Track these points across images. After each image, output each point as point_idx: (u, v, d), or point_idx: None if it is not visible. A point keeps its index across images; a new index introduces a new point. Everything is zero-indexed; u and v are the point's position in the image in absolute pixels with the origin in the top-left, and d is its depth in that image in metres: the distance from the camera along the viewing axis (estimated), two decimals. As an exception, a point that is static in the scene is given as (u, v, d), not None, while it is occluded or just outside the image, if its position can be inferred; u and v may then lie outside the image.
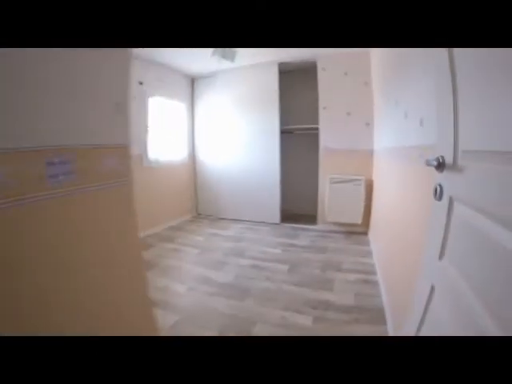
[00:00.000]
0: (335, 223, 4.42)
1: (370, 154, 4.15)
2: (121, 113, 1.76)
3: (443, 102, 1.00)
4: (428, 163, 0.99)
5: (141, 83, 4.43)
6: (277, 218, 4.98)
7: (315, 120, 4.48)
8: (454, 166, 0.89)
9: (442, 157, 0.95)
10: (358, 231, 4.35)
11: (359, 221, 4.18)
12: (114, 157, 1.61)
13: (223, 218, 5.54)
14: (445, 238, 0.95)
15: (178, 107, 5.34)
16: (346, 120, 4.25)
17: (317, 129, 4.47)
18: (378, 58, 3.45)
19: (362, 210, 4.12)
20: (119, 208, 1.75)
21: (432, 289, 1.05)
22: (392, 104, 2.55)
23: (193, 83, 5.65)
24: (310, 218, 4.94)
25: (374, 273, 3.05)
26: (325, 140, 4.42)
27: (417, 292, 1.22)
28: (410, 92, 1.93)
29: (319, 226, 4.61)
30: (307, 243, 4.02)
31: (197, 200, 5.97)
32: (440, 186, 0.97)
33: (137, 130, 4.45)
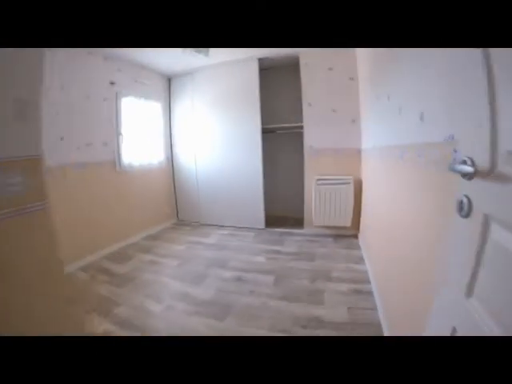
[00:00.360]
0: (323, 227, 4.19)
1: (357, 152, 3.94)
2: (26, 116, 1.33)
3: (469, 90, 0.75)
4: (453, 169, 0.73)
5: (112, 83, 4.13)
6: (261, 222, 4.73)
7: (299, 119, 4.24)
8: (493, 173, 0.64)
9: (471, 159, 0.70)
10: (347, 234, 4.14)
11: (348, 223, 3.97)
12: (18, 172, 1.23)
13: (205, 224, 5.25)
14: (475, 270, 0.70)
15: (154, 108, 5.03)
16: (331, 117, 4.03)
17: (301, 127, 4.24)
18: (365, 52, 3.23)
19: (351, 212, 3.91)
20: (32, 242, 1.36)
21: (453, 331, 0.81)
22: (383, 99, 2.32)
23: (170, 82, 5.34)
24: (297, 221, 4.72)
25: (367, 281, 2.83)
26: (310, 139, 4.19)
27: (430, 330, 0.98)
28: (404, 85, 1.70)
29: (306, 230, 4.37)
30: (294, 249, 3.78)
31: (177, 206, 5.67)
32: (468, 198, 0.73)
33: (108, 134, 4.14)
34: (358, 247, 3.72)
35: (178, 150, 5.43)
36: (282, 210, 5.38)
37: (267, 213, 4.82)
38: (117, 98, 4.22)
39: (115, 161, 4.24)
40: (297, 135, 4.66)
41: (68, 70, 3.49)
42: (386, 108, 2.23)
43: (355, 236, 4.09)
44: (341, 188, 3.90)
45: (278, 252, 3.73)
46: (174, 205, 5.65)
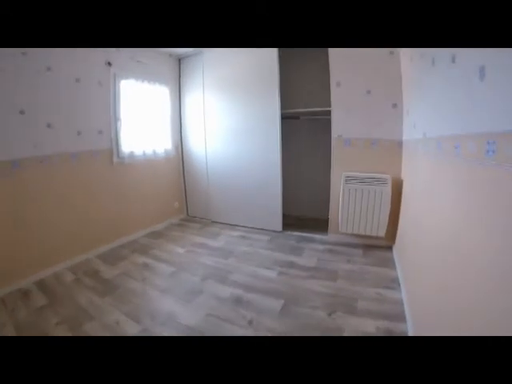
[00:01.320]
0: (351, 234, 3.49)
1: (398, 145, 3.18)
2: None
3: None
4: None
5: (109, 64, 3.65)
6: (278, 224, 4.08)
7: (327, 103, 3.52)
8: None
9: None
10: (379, 245, 3.41)
11: (382, 233, 3.24)
12: None
13: (216, 222, 4.70)
14: None
15: (161, 92, 4.49)
16: (365, 100, 3.27)
17: (328, 112, 3.51)
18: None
19: (386, 219, 3.18)
20: None
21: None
22: (442, 63, 1.59)
23: (179, 63, 4.78)
24: (320, 224, 4.05)
25: (401, 318, 2.14)
26: (338, 127, 3.46)
27: None
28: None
29: (330, 237, 3.68)
30: (312, 263, 3.11)
31: (186, 200, 5.14)
32: None
33: (104, 120, 3.70)
34: (393, 264, 2.99)
35: (188, 138, 4.88)
36: (303, 210, 4.71)
37: (286, 212, 4.18)
38: (115, 80, 3.76)
39: (113, 150, 3.80)
40: (323, 122, 3.96)
41: (56, 49, 3.10)
42: (448, 76, 1.50)
43: (389, 248, 3.36)
44: (375, 189, 3.17)
45: (293, 265, 3.08)
46: (184, 199, 5.14)
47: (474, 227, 1.14)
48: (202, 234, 4.21)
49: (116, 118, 3.80)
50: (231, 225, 4.52)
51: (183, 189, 5.11)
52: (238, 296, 2.54)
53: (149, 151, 4.31)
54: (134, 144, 4.09)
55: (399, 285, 2.59)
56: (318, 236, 3.81)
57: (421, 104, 2.26)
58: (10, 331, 2.20)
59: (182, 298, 2.58)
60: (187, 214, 5.19)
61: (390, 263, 3.02)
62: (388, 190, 3.11)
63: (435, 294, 1.59)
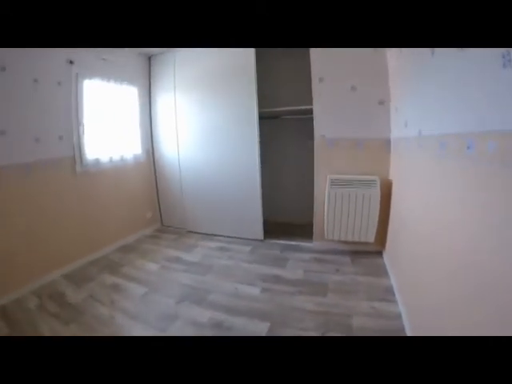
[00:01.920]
0: (338, 241, 3.30)
1: (386, 144, 3.01)
2: None
3: None
4: None
5: (71, 62, 3.33)
6: (259, 232, 3.85)
7: (308, 100, 3.32)
8: None
9: None
10: (369, 251, 3.25)
11: (371, 238, 3.07)
12: None
13: (192, 232, 4.41)
14: None
15: (129, 92, 4.17)
16: (350, 97, 3.09)
17: (311, 111, 3.32)
18: None
19: (375, 223, 3.01)
20: None
21: None
22: (449, 54, 1.41)
23: (149, 62, 4.47)
24: (305, 230, 3.84)
25: (401, 334, 1.95)
26: (321, 126, 3.27)
27: None
28: None
29: (316, 245, 3.48)
30: (299, 275, 2.89)
31: (160, 209, 4.84)
32: None
33: (65, 125, 3.37)
34: (385, 272, 2.82)
35: (160, 142, 4.58)
36: (287, 215, 4.50)
37: (268, 219, 3.96)
38: (77, 80, 3.42)
39: (75, 158, 3.46)
40: (305, 122, 3.78)
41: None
42: (456, 66, 1.32)
43: (379, 254, 3.19)
44: (363, 191, 3.00)
45: (278, 279, 2.85)
46: (157, 208, 4.83)
47: (490, 237, 1.02)
48: (177, 247, 3.91)
49: (78, 122, 3.46)
50: (209, 235, 4.24)
51: (156, 197, 4.80)
52: (218, 321, 2.28)
53: (116, 157, 3.99)
54: (100, 150, 3.75)
55: (394, 295, 2.42)
56: (303, 244, 3.60)
57: (414, 99, 2.09)
58: None
59: (154, 325, 2.30)
60: (162, 224, 4.88)
61: (381, 271, 2.85)
62: (377, 192, 2.94)
63: (438, 308, 1.42)
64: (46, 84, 3.13)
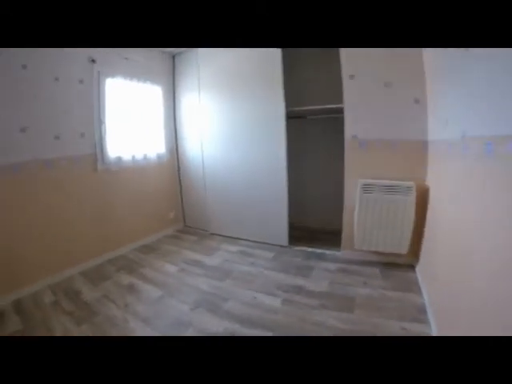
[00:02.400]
0: (367, 252, 3.10)
1: (422, 146, 2.77)
2: None
3: None
4: None
5: (93, 61, 3.37)
6: (284, 238, 3.70)
7: (339, 99, 3.14)
8: None
9: None
10: (399, 263, 3.01)
11: (404, 250, 2.84)
12: None
13: (215, 234, 4.34)
14: None
15: (152, 91, 4.18)
16: (383, 95, 2.87)
17: (341, 110, 3.13)
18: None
19: (409, 233, 2.77)
20: None
21: None
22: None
23: (173, 60, 4.47)
24: (331, 237, 3.66)
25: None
26: (352, 126, 3.07)
27: None
28: None
29: (344, 254, 3.28)
30: (323, 287, 2.71)
31: (183, 209, 4.81)
32: None
33: (87, 123, 3.41)
34: (417, 288, 2.58)
35: (184, 141, 4.56)
36: (313, 220, 4.32)
37: (293, 224, 3.79)
38: (99, 78, 3.46)
39: (97, 155, 3.50)
40: (334, 122, 3.60)
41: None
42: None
43: (411, 268, 2.94)
44: (397, 198, 2.77)
45: (300, 290, 2.69)
46: (181, 208, 4.80)
47: None
48: (198, 249, 3.85)
49: (100, 120, 3.49)
50: (231, 238, 4.15)
51: (179, 197, 4.77)
52: (231, 332, 2.16)
53: (139, 156, 3.99)
54: (122, 148, 3.77)
55: (427, 315, 2.20)
56: (329, 252, 3.41)
57: (457, 95, 1.87)
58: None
59: (164, 331, 2.22)
60: (184, 225, 4.86)
61: (413, 287, 2.61)
62: (412, 199, 2.71)
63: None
64: (67, 82, 3.18)
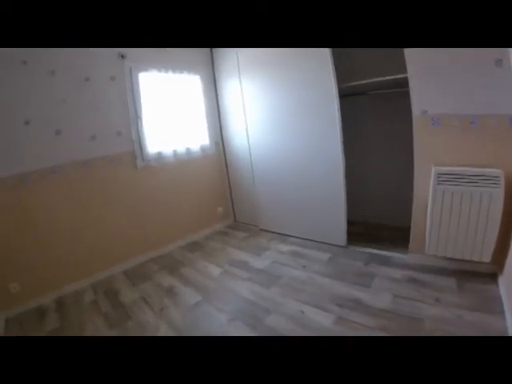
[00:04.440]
0: (441, 257, 2.71)
1: (510, 123, 2.30)
2: None
3: None
4: None
5: (122, 56, 3.46)
6: (341, 237, 3.42)
7: (401, 68, 2.70)
8: None
9: None
10: (479, 271, 2.56)
11: (487, 257, 2.40)
12: None
13: (265, 231, 4.22)
14: None
15: (191, 81, 4.15)
16: (456, 57, 2.39)
17: (404, 82, 2.72)
18: None
19: (494, 236, 2.34)
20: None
21: None
22: None
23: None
24: (396, 235, 3.33)
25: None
26: (421, 99, 2.62)
27: None
28: None
29: (412, 258, 2.91)
30: (386, 301, 2.39)
31: (233, 204, 4.76)
32: None
33: (122, 120, 3.53)
34: (501, 306, 2.15)
35: (229, 131, 4.48)
36: (374, 215, 3.96)
37: (350, 218, 3.47)
38: (131, 74, 3.55)
39: (135, 152, 3.61)
40: (397, 96, 3.20)
41: (58, 51, 3.03)
42: None
43: (493, 277, 2.49)
44: (480, 191, 2.33)
45: (358, 305, 2.41)
46: (230, 203, 4.80)
47: None
48: (246, 248, 3.79)
49: (137, 116, 3.58)
50: (283, 235, 4.00)
51: (228, 191, 4.74)
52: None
53: (181, 150, 4.01)
54: (163, 143, 3.84)
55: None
56: (394, 255, 3.05)
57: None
58: None
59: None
60: (235, 220, 4.83)
61: (496, 305, 2.17)
62: (499, 192, 2.27)
63: None
64: (98, 81, 3.31)
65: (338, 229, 3.42)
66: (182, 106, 4.02)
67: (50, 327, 2.65)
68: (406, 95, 2.72)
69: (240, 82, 4.01)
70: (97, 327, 2.56)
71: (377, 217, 3.94)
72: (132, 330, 2.46)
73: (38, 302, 3.03)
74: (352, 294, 2.56)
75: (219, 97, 4.48)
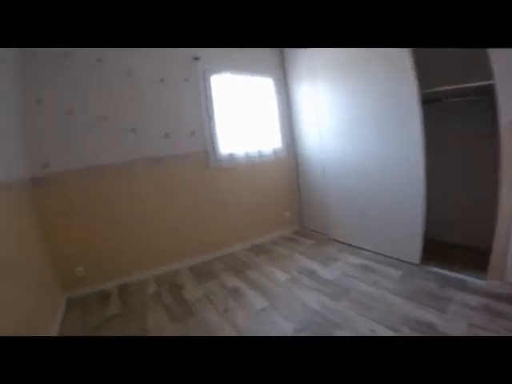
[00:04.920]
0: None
1: None
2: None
3: None
4: None
5: (196, 59, 3.71)
6: (415, 254, 3.30)
7: (484, 74, 2.56)
8: None
9: None
10: None
11: None
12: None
13: (334, 241, 4.24)
14: None
15: (263, 83, 4.31)
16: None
17: (489, 89, 2.55)
18: None
19: None
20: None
21: None
22: None
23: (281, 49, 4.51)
24: (474, 256, 3.18)
25: None
26: (510, 108, 2.47)
27: None
28: None
29: (491, 284, 2.74)
30: (461, 330, 2.30)
31: (301, 210, 4.83)
32: None
33: (196, 120, 3.79)
34: None
35: (301, 135, 4.54)
36: (451, 232, 3.73)
37: (428, 236, 3.38)
38: (204, 76, 3.80)
39: (208, 152, 3.86)
40: (479, 105, 3.06)
41: (133, 52, 3.38)
42: None
43: None
44: None
45: (431, 329, 2.27)
46: (298, 208, 4.86)
47: None
48: (314, 256, 3.82)
49: (209, 117, 3.81)
50: (353, 246, 3.98)
51: (297, 196, 4.82)
52: None
53: (253, 152, 4.16)
54: (234, 144, 4.03)
55: None
56: (471, 280, 2.88)
57: None
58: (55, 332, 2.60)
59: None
60: (302, 227, 4.89)
61: None
62: None
63: None
64: (172, 82, 3.58)
65: (413, 245, 3.31)
66: (254, 108, 4.19)
67: (111, 312, 2.93)
68: (488, 103, 2.60)
69: (312, 84, 4.05)
70: (158, 318, 2.76)
71: (454, 234, 3.73)
72: (195, 327, 2.61)
73: (101, 287, 3.39)
74: (425, 317, 2.49)
75: (291, 99, 4.57)
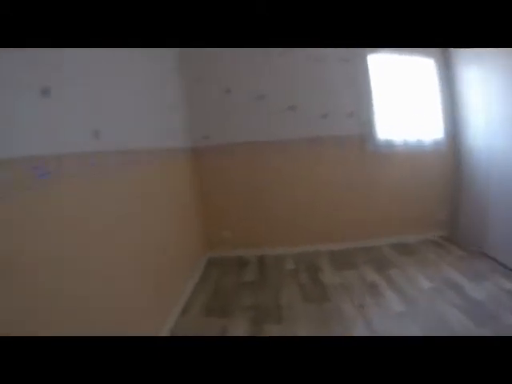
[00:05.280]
0: None
1: None
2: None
3: None
4: None
5: None
6: None
7: None
8: None
9: None
10: None
11: None
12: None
13: (488, 256, 3.82)
14: None
15: (423, 65, 3.93)
16: None
17: None
18: None
19: None
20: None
21: None
22: None
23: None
24: None
25: None
26: None
27: None
28: None
29: None
30: None
31: (456, 213, 4.45)
32: None
33: (353, 101, 3.78)
34: None
35: (467, 126, 3.96)
36: None
37: None
38: (362, 56, 3.70)
39: (364, 136, 3.83)
40: None
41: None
42: None
43: None
44: None
45: None
46: (451, 210, 4.44)
47: None
48: (462, 270, 3.54)
49: (368, 100, 3.73)
50: (508, 269, 3.53)
51: (453, 197, 4.38)
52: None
53: (411, 140, 3.96)
54: (393, 130, 3.88)
55: None
56: None
57: None
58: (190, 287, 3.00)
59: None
60: (452, 232, 4.46)
61: None
62: None
63: None
64: (330, 61, 3.64)
65: None
66: (413, 93, 3.92)
67: (247, 278, 3.24)
68: None
69: (483, 70, 3.50)
70: (292, 294, 2.96)
71: None
72: (329, 313, 2.75)
73: (241, 254, 3.80)
74: None
75: (455, 85, 3.99)
